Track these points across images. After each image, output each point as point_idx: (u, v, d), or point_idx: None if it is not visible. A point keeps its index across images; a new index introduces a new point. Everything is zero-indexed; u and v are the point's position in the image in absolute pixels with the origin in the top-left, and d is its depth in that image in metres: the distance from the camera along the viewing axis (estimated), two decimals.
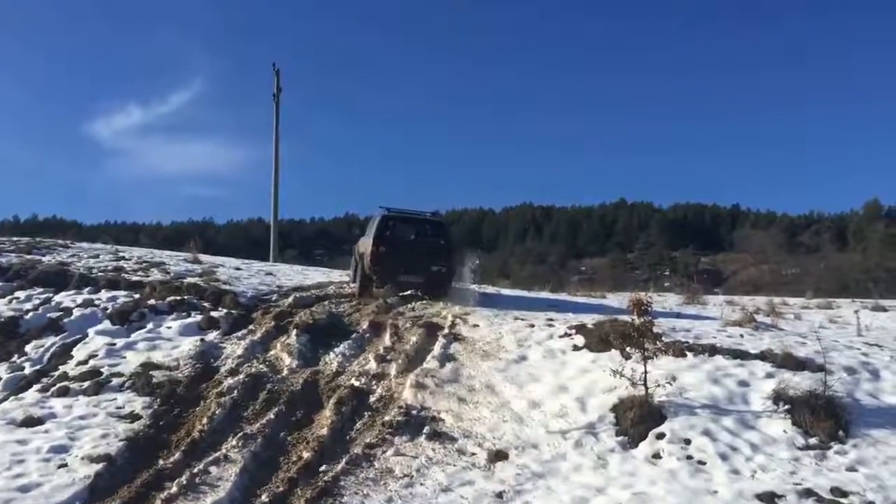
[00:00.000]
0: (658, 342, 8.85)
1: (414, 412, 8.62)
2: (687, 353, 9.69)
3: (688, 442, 7.66)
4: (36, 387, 9.48)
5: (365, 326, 11.86)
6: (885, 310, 20.65)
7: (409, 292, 14.88)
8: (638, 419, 8.04)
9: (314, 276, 18.44)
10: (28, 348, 10.90)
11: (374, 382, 9.57)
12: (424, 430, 8.14)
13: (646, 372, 8.41)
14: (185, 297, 12.80)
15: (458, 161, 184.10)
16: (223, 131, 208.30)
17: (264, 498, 6.71)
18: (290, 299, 13.53)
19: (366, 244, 14.63)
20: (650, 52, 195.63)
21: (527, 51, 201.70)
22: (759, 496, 6.64)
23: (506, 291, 19.38)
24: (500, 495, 6.84)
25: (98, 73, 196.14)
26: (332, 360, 10.43)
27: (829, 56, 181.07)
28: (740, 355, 9.66)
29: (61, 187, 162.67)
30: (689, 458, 7.43)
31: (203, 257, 18.86)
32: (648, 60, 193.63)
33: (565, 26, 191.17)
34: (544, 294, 20.62)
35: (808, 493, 6.67)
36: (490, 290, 18.88)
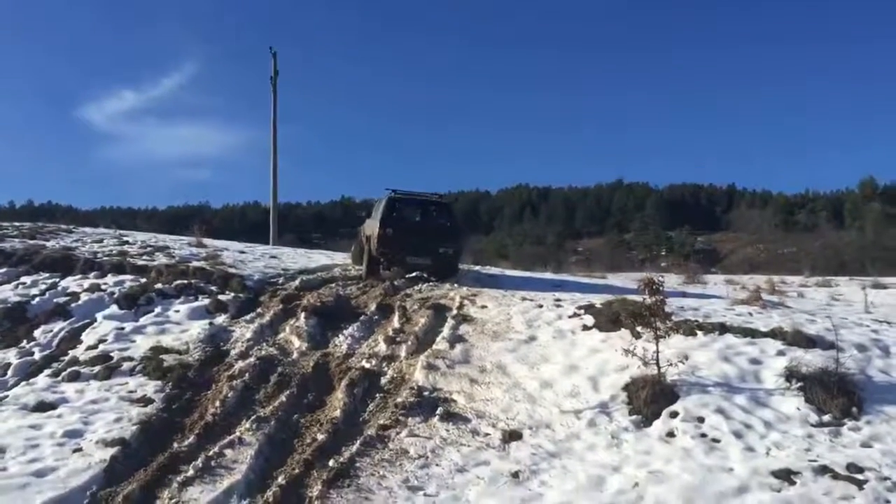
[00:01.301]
0: (668, 321, 8.87)
1: (426, 393, 8.62)
2: (697, 331, 9.70)
3: (701, 420, 7.67)
4: (46, 372, 9.47)
5: (373, 308, 11.85)
6: (884, 287, 20.75)
7: (415, 274, 14.89)
8: (651, 398, 8.04)
9: (318, 258, 18.41)
10: (37, 333, 10.87)
11: (384, 364, 9.57)
12: (437, 411, 8.13)
13: (658, 351, 8.40)
14: (192, 281, 12.79)
15: (454, 143, 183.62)
16: (216, 114, 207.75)
17: (280, 480, 6.71)
18: (297, 282, 13.51)
19: (372, 226, 14.60)
20: (645, 29, 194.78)
21: (521, 31, 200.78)
22: (774, 473, 6.64)
23: (509, 272, 19.37)
24: (515, 475, 6.84)
25: (91, 57, 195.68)
26: (341, 343, 10.43)
27: (821, 35, 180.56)
28: (750, 333, 9.66)
29: (56, 173, 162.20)
30: (704, 436, 7.43)
31: (207, 241, 18.83)
32: (643, 37, 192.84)
33: (558, 5, 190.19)
34: (548, 275, 20.63)
35: (824, 469, 6.67)
36: (493, 270, 18.90)
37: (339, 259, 18.65)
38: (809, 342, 9.24)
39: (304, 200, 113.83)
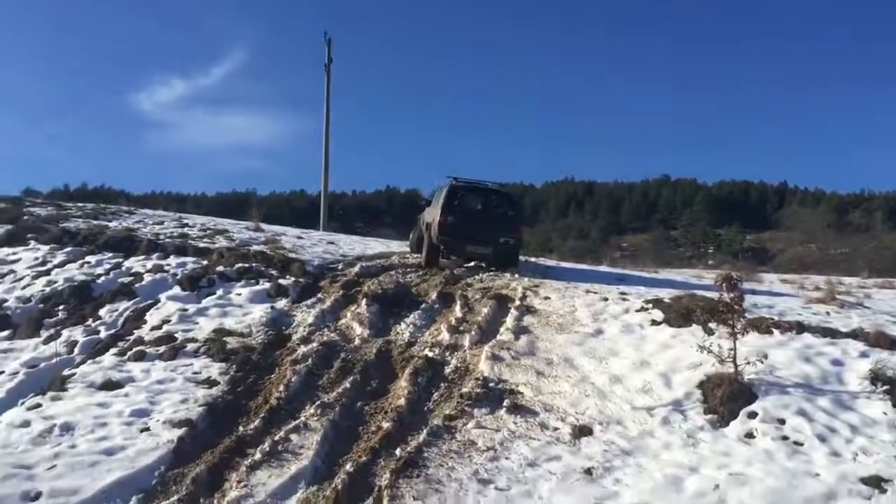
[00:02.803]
0: (744, 318, 8.54)
1: (491, 384, 8.43)
2: (774, 329, 9.33)
3: (782, 422, 7.34)
4: (112, 350, 9.52)
5: (434, 297, 11.69)
6: None
7: (473, 263, 14.71)
8: (727, 397, 7.73)
9: (375, 246, 18.35)
10: (102, 312, 10.97)
11: (447, 353, 9.40)
12: (504, 403, 7.94)
13: (735, 349, 8.07)
14: (253, 265, 12.79)
15: (499, 136, 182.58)
16: (264, 103, 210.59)
17: (348, 468, 6.59)
18: (357, 268, 13.42)
19: (433, 214, 14.45)
20: (696, 22, 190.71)
21: (579, 25, 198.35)
22: (864, 480, 6.32)
23: (566, 264, 19.06)
24: (588, 472, 6.62)
25: (141, 46, 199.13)
26: (403, 331, 10.30)
27: (879, 34, 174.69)
28: (830, 333, 9.26)
29: (108, 159, 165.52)
30: (785, 438, 7.11)
31: (264, 226, 18.91)
32: (695, 29, 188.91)
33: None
34: (603, 268, 20.26)
35: None
36: (550, 262, 18.62)
37: (395, 247, 18.57)
38: (894, 344, 8.81)
39: (350, 190, 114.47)
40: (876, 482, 6.29)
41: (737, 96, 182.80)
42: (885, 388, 7.79)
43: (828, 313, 10.38)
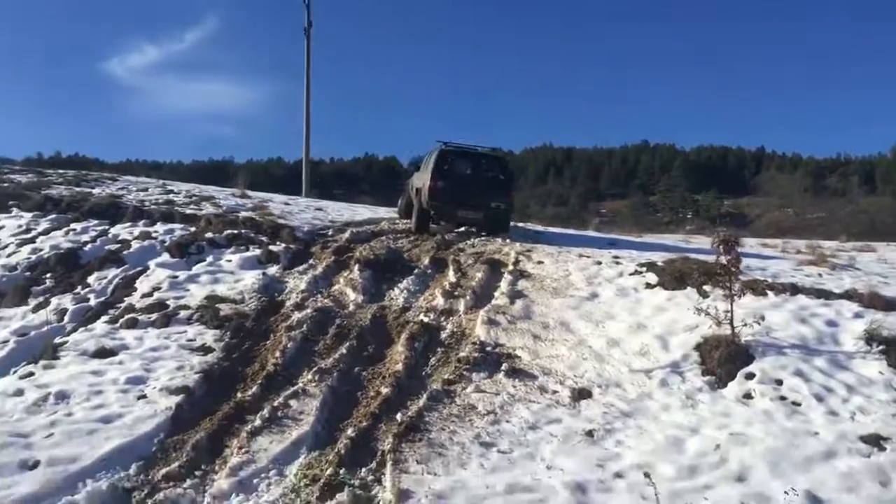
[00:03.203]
0: (739, 280, 8.55)
1: (489, 349, 8.41)
2: (768, 291, 9.36)
3: (779, 382, 7.38)
4: (104, 318, 9.38)
5: (426, 262, 11.63)
6: None
7: (463, 229, 14.63)
8: (725, 358, 7.76)
9: (363, 212, 18.22)
10: (90, 280, 10.80)
11: (443, 318, 9.36)
12: (502, 367, 7.92)
13: (732, 311, 8.09)
14: (243, 231, 12.64)
15: (477, 102, 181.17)
16: (238, 70, 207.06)
17: (350, 433, 6.56)
18: (347, 234, 13.31)
19: (423, 179, 14.31)
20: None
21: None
22: (863, 438, 6.36)
23: (555, 229, 19.04)
24: (590, 434, 6.63)
25: (113, 11, 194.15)
26: (397, 296, 10.24)
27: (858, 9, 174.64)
28: (824, 295, 9.31)
29: (80, 126, 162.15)
30: (783, 398, 7.15)
31: (251, 193, 18.69)
32: (675, 8, 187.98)
33: None
34: (591, 232, 20.26)
35: None
36: (538, 227, 18.59)
37: (383, 213, 18.45)
38: (888, 305, 8.87)
39: (328, 157, 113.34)
40: (874, 440, 6.34)
41: (718, 68, 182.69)
42: (880, 348, 7.85)
43: (820, 275, 10.43)
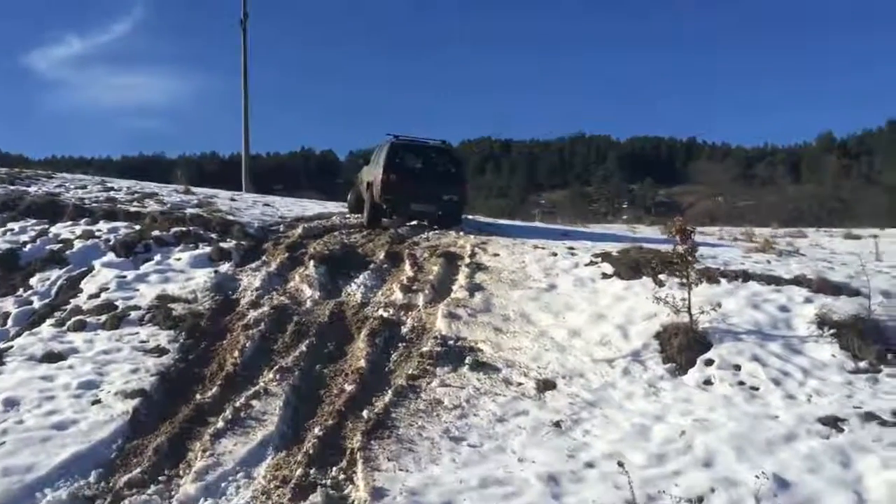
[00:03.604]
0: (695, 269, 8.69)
1: (450, 342, 8.37)
2: (721, 279, 9.54)
3: (738, 368, 7.53)
4: (49, 321, 9.04)
5: (381, 257, 11.53)
6: (857, 238, 20.67)
7: (415, 223, 14.56)
8: (684, 346, 7.89)
9: (312, 207, 17.98)
10: (33, 281, 10.40)
11: (402, 313, 9.29)
12: (466, 361, 7.90)
13: (689, 299, 8.22)
14: (191, 228, 12.31)
15: (413, 96, 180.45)
16: (168, 61, 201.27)
17: (317, 431, 6.45)
18: (299, 230, 13.11)
19: (374, 173, 14.18)
20: None
21: None
22: (821, 420, 6.50)
23: (505, 221, 19.13)
24: (557, 424, 6.65)
25: (33, 2, 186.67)
26: (354, 292, 10.11)
27: None
28: (774, 281, 9.53)
29: (1, 122, 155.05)
30: (742, 383, 7.30)
31: (194, 189, 18.26)
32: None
33: None
34: (538, 223, 20.41)
35: (870, 416, 6.54)
36: (487, 219, 18.64)
37: (332, 207, 18.24)
38: (835, 289, 9.12)
39: (264, 151, 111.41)
40: (832, 422, 6.49)
41: (650, 58, 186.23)
42: (831, 331, 8.06)
43: (768, 262, 10.68)
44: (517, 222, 19.19)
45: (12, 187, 15.95)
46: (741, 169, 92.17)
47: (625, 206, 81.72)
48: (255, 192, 26.63)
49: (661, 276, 9.66)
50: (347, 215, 15.70)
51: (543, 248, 11.73)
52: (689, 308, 8.16)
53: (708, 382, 7.40)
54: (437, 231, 13.55)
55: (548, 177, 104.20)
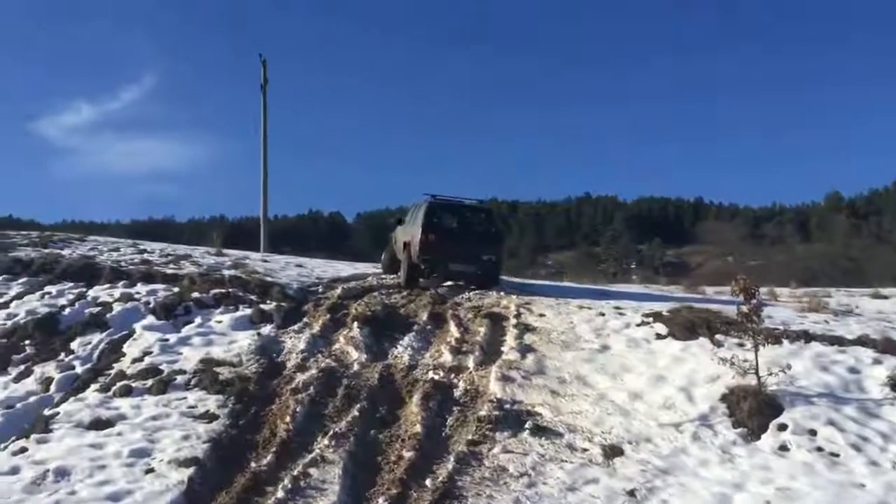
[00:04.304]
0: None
1: (507, 406, 8.11)
2: (783, 340, 9.25)
3: (813, 433, 7.23)
4: (94, 386, 8.82)
5: (425, 318, 11.31)
6: (885, 297, 20.14)
7: (451, 283, 14.36)
8: (755, 409, 7.60)
9: (344, 268, 17.82)
10: (74, 345, 10.22)
11: (453, 376, 9.03)
12: (526, 426, 7.63)
13: (757, 360, 7.94)
14: (230, 290, 12.16)
15: (419, 156, 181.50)
16: (176, 128, 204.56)
17: (381, 501, 6.16)
18: (338, 291, 12.92)
19: (411, 232, 14.06)
20: (615, 46, 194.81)
21: (494, 48, 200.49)
22: None
23: (534, 281, 18.89)
24: (632, 493, 6.35)
25: (45, 70, 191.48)
26: (401, 354, 9.88)
27: (789, 47, 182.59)
28: (837, 341, 9.26)
29: (12, 188, 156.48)
30: (820, 449, 6.99)
31: (227, 250, 18.20)
32: (613, 53, 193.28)
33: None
34: (570, 283, 20.12)
35: None
36: (520, 280, 18.42)
37: (362, 268, 18.08)
38: None
39: (272, 215, 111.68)
40: None
41: (652, 111, 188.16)
42: None
43: (826, 322, 10.40)
44: (550, 282, 18.96)
45: (46, 250, 15.96)
46: (749, 228, 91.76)
47: (633, 266, 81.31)
48: (272, 253, 26.61)
49: (718, 337, 9.39)
50: (383, 276, 15.55)
51: (590, 308, 11.50)
52: (756, 370, 7.87)
53: (784, 448, 7.10)
54: (477, 291, 13.33)
55: (555, 237, 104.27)
